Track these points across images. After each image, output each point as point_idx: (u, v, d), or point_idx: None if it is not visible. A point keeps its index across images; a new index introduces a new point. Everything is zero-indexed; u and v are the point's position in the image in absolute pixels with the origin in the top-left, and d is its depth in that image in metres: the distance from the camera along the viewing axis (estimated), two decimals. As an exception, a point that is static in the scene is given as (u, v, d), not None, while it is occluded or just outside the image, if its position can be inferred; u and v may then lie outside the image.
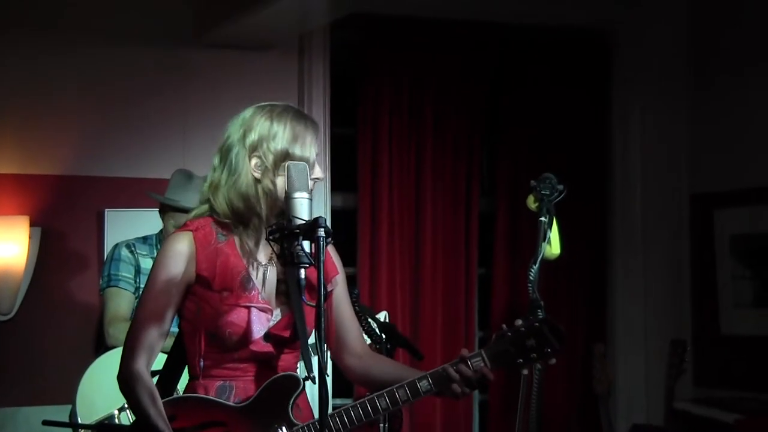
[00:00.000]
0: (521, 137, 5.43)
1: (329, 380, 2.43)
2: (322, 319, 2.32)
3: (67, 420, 3.91)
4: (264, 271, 2.58)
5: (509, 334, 2.52)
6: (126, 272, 4.16)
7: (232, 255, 2.56)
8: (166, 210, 4.15)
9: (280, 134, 2.55)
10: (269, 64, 5.00)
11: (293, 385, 2.53)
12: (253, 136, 2.56)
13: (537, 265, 3.23)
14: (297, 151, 2.54)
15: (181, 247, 2.55)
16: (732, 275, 5.26)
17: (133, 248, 4.18)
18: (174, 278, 2.54)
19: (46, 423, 3.64)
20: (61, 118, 4.69)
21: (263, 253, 2.59)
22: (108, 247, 4.49)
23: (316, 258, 2.34)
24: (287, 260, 2.39)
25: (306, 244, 2.35)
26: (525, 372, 2.55)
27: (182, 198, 4.09)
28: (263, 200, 2.56)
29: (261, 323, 2.55)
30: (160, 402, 2.53)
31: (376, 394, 2.53)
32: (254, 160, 2.55)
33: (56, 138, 4.68)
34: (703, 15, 5.46)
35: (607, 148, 5.62)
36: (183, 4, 4.85)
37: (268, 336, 2.55)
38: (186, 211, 4.04)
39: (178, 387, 2.75)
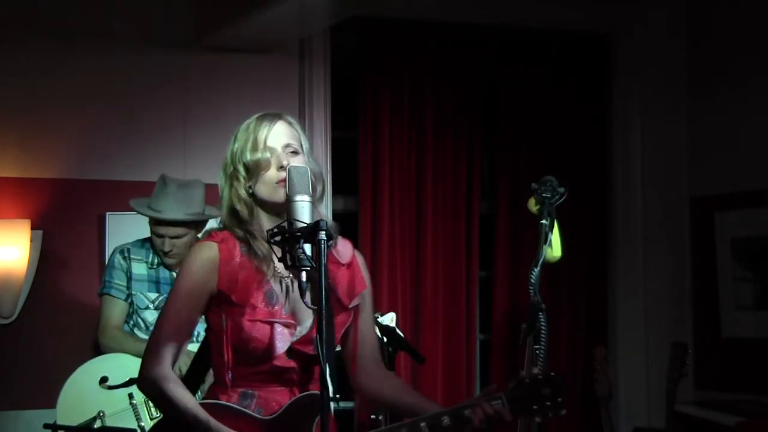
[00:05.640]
0: (521, 140, 5.44)
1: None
2: (323, 321, 2.32)
3: (68, 423, 3.94)
4: (287, 285, 2.57)
5: (527, 381, 2.53)
6: (118, 279, 4.18)
7: (255, 268, 2.56)
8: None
9: (237, 146, 2.61)
10: (270, 67, 5.00)
11: (318, 403, 2.50)
12: (225, 160, 2.64)
13: (538, 267, 3.22)
14: (247, 156, 2.57)
15: (207, 257, 2.56)
16: (733, 278, 5.26)
17: (126, 254, 4.19)
18: (198, 287, 2.56)
19: (47, 426, 3.66)
20: (63, 121, 4.70)
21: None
22: (109, 251, 4.51)
23: (317, 261, 2.34)
24: (288, 263, 2.39)
25: (307, 247, 2.35)
26: (538, 419, 2.55)
27: (165, 208, 4.11)
28: (245, 210, 2.57)
29: (284, 339, 2.54)
30: (194, 399, 2.55)
31: (397, 424, 2.53)
32: (230, 180, 2.61)
33: (57, 142, 4.69)
34: (702, 18, 5.46)
35: (607, 150, 5.62)
36: (184, 8, 4.86)
37: (291, 351, 2.55)
38: (170, 223, 4.08)
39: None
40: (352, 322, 2.68)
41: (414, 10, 5.14)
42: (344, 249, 2.70)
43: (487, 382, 5.36)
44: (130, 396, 3.96)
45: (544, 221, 3.25)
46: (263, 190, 2.57)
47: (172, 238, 4.10)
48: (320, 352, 2.29)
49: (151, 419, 3.95)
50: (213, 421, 2.49)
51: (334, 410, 2.58)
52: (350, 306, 2.65)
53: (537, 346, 3.20)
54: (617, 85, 5.58)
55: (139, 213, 4.18)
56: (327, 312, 2.46)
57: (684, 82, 5.54)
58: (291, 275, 2.57)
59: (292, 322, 2.56)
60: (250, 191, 2.58)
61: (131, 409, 3.96)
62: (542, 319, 3.19)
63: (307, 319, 2.59)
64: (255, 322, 2.53)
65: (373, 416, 3.02)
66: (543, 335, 3.18)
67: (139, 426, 3.92)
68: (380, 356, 2.80)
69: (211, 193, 4.50)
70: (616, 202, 5.60)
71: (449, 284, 5.26)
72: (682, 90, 5.54)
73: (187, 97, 4.88)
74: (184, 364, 3.85)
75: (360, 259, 2.73)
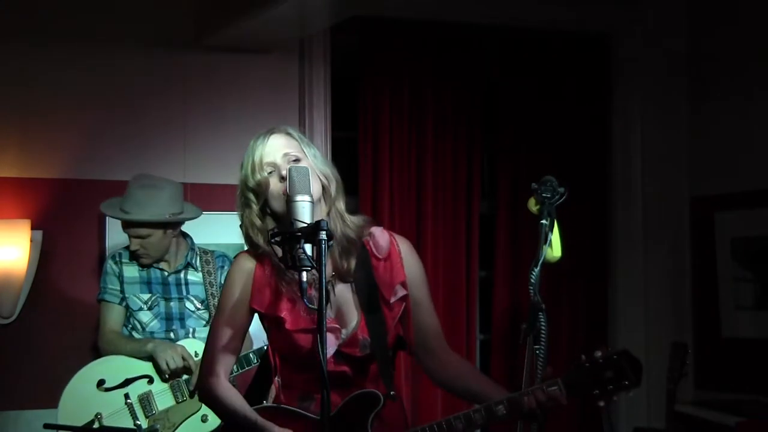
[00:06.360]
0: (522, 140, 5.43)
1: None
2: (323, 321, 2.32)
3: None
4: (328, 290, 2.57)
5: (587, 364, 2.49)
6: (111, 284, 4.22)
7: (288, 284, 2.59)
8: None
9: (243, 173, 2.65)
10: (270, 67, 5.00)
11: (373, 401, 2.56)
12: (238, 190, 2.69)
13: (538, 267, 3.21)
14: (250, 180, 2.62)
15: (244, 268, 2.65)
16: (733, 278, 5.26)
17: (118, 258, 4.23)
18: (238, 298, 2.64)
19: (47, 426, 3.67)
20: (63, 121, 4.70)
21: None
22: (109, 251, 4.53)
23: (317, 261, 2.34)
24: (289, 264, 2.39)
25: (308, 247, 2.35)
26: (601, 404, 2.50)
27: (129, 209, 4.13)
28: (260, 236, 2.61)
29: (330, 344, 2.55)
30: (244, 401, 2.61)
31: (453, 416, 2.53)
32: (242, 208, 2.65)
33: (58, 142, 4.69)
34: (702, 18, 5.46)
35: (607, 150, 5.62)
36: (184, 8, 4.85)
37: (339, 354, 2.58)
38: (133, 224, 4.10)
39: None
40: (405, 312, 2.69)
41: (414, 10, 5.14)
42: (382, 241, 2.69)
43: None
44: (126, 396, 3.99)
45: (544, 221, 3.23)
46: (275, 205, 2.61)
47: (135, 238, 4.13)
48: (321, 352, 2.29)
49: (146, 417, 3.97)
50: (260, 419, 2.54)
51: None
52: (392, 300, 2.65)
53: (537, 346, 3.19)
54: (617, 85, 5.58)
55: (107, 215, 4.23)
56: (370, 310, 2.53)
57: (684, 82, 5.54)
58: (331, 280, 2.59)
59: (336, 326, 2.58)
60: (267, 212, 2.62)
61: (127, 409, 3.98)
62: (542, 319, 3.18)
63: (352, 321, 2.61)
64: (298, 332, 2.57)
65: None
66: (543, 335, 3.17)
67: (135, 424, 3.95)
68: (445, 341, 2.79)
69: (203, 192, 4.52)
70: (616, 202, 5.59)
71: (449, 284, 5.26)
72: (682, 90, 5.54)
73: (187, 97, 4.87)
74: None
75: (402, 247, 2.71)
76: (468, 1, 5.22)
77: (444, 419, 2.54)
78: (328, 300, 2.49)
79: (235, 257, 2.74)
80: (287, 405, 2.61)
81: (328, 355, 2.53)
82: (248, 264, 2.65)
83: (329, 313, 2.57)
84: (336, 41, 5.09)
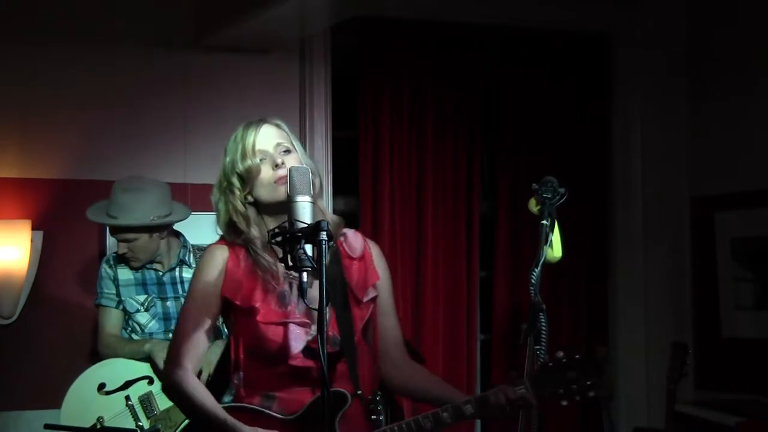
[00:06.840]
0: (522, 140, 5.43)
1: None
2: (324, 321, 2.32)
3: (69, 424, 3.95)
4: (298, 285, 2.55)
5: (550, 364, 2.52)
6: (107, 288, 4.21)
7: (263, 272, 2.58)
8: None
9: (228, 159, 2.64)
10: (270, 67, 5.00)
11: (340, 401, 2.55)
12: (218, 176, 2.68)
13: (538, 268, 3.22)
14: (238, 166, 2.61)
15: (216, 259, 2.62)
16: (733, 278, 5.26)
17: (112, 262, 4.22)
18: (208, 289, 2.60)
19: (48, 427, 3.67)
20: (63, 122, 4.70)
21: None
22: (109, 251, 4.52)
23: (318, 261, 2.34)
24: (289, 264, 2.39)
25: (308, 248, 2.35)
26: (564, 403, 2.53)
27: (115, 214, 4.11)
28: (243, 222, 2.60)
29: (299, 338, 2.56)
30: (213, 398, 2.58)
31: (421, 415, 2.55)
32: (224, 195, 2.65)
33: (58, 142, 4.69)
34: (703, 17, 5.46)
35: (607, 150, 5.62)
36: (184, 8, 4.85)
37: (308, 350, 2.56)
38: (118, 229, 4.09)
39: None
40: (372, 314, 2.69)
41: (414, 10, 5.13)
42: (355, 242, 2.71)
43: (487, 383, 5.36)
44: (127, 398, 3.99)
45: (544, 221, 3.24)
46: (263, 193, 2.60)
47: (122, 242, 4.12)
48: (321, 352, 2.29)
49: (147, 418, 3.97)
50: (230, 419, 2.52)
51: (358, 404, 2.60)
52: (364, 300, 2.65)
53: (537, 347, 3.20)
54: (617, 85, 5.58)
55: (92, 221, 4.23)
56: (341, 308, 2.52)
57: (684, 82, 5.54)
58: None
59: (306, 321, 2.57)
60: (250, 200, 2.61)
61: (129, 411, 3.98)
62: (543, 320, 3.18)
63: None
64: (268, 324, 2.55)
65: (373, 417, 3.02)
66: (543, 335, 3.18)
67: (137, 425, 3.95)
68: (405, 347, 2.80)
69: (203, 192, 4.50)
70: (616, 202, 5.59)
71: (449, 284, 5.26)
72: (682, 90, 5.54)
73: (187, 97, 4.87)
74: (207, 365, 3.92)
75: (374, 250, 2.73)
76: (468, 1, 5.22)
77: (413, 418, 2.56)
78: (307, 296, 2.47)
79: (206, 248, 2.70)
80: (248, 403, 2.59)
81: (297, 350, 2.55)
82: (221, 253, 2.62)
83: (300, 309, 2.56)
84: (336, 41, 5.09)
